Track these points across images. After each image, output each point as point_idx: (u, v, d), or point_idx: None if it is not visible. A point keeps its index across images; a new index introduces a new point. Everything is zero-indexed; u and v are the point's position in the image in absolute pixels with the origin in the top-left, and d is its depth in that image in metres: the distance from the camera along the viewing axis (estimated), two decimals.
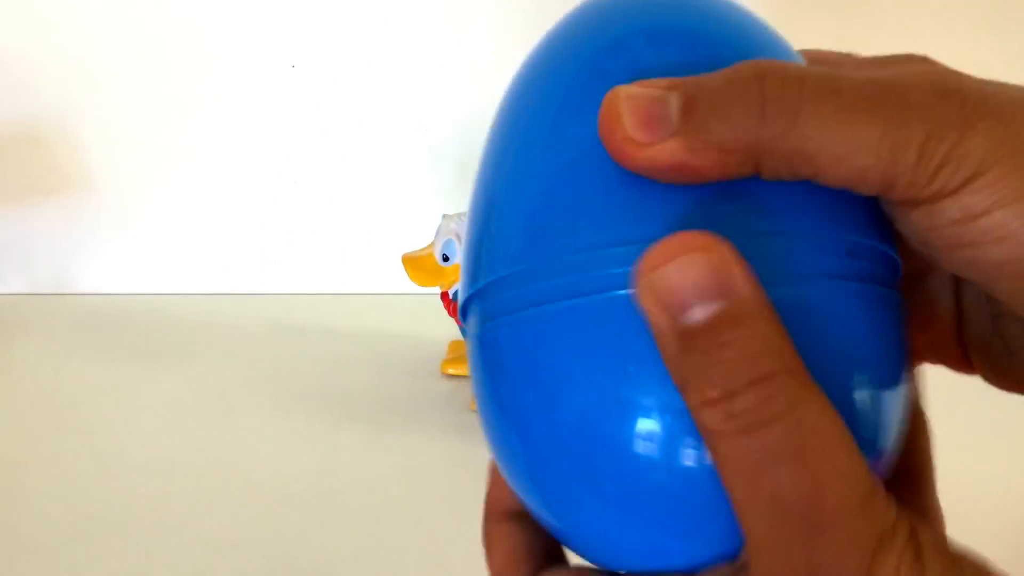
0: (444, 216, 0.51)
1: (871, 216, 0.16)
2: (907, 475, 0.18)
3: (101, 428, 0.51)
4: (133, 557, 0.41)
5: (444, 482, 0.44)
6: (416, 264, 0.51)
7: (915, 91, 0.14)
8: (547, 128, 0.17)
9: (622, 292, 0.15)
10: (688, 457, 0.15)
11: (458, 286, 0.55)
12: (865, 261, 0.16)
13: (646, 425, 0.15)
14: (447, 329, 0.59)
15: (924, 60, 0.17)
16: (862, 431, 0.15)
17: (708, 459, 0.14)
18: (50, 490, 0.46)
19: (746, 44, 0.17)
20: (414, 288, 0.52)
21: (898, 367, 0.16)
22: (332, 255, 0.70)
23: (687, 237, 0.14)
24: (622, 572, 0.17)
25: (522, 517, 0.19)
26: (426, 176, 0.68)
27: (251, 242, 0.68)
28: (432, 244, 0.51)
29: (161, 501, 0.44)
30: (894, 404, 0.16)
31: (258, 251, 0.68)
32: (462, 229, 0.50)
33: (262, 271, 0.69)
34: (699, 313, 0.14)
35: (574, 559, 0.19)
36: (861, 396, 0.15)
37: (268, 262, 0.68)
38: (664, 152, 0.14)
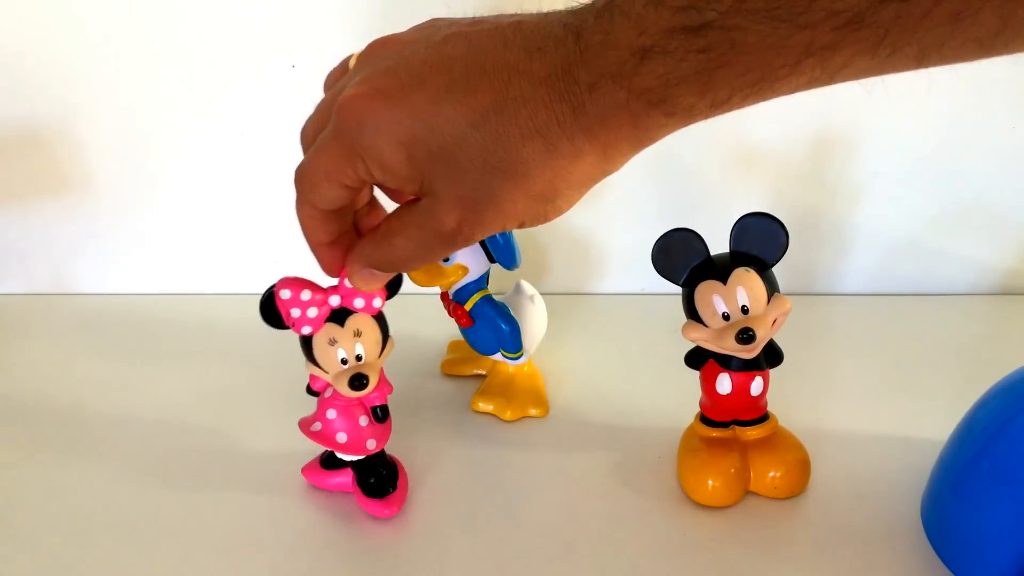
0: None
1: None
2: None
3: (101, 428, 0.51)
4: (133, 557, 0.41)
5: (443, 482, 0.44)
6: None
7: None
8: None
9: None
10: None
11: (458, 286, 0.55)
12: None
13: None
14: (447, 329, 0.59)
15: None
16: None
17: None
18: (50, 490, 0.46)
19: None
20: (414, 288, 0.52)
21: None
22: None
23: None
24: None
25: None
26: None
27: (251, 242, 0.68)
28: None
29: (161, 501, 0.45)
30: None
31: (258, 251, 0.68)
32: None
33: (262, 271, 0.69)
34: None
35: None
36: None
37: (268, 262, 0.68)
38: None
